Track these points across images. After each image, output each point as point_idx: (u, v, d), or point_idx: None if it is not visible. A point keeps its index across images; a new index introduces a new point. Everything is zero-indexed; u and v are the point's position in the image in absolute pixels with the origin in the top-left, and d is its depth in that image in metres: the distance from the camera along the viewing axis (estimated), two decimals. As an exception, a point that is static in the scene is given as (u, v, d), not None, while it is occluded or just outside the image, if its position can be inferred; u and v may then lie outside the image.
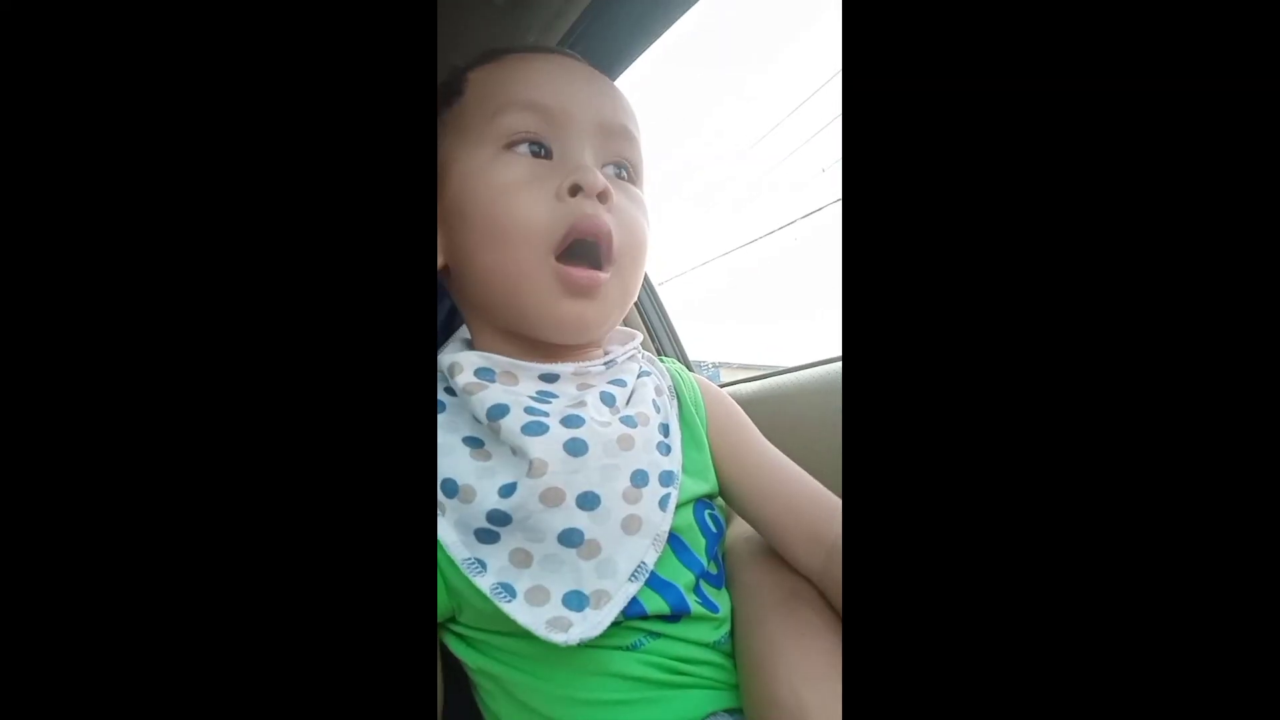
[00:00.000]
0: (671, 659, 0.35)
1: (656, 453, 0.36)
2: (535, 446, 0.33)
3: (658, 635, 0.35)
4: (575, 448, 0.33)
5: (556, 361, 0.38)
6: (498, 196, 0.36)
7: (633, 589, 0.33)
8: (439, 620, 0.36)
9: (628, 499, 0.34)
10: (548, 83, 0.38)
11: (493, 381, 0.36)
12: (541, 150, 0.38)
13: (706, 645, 0.36)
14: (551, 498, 0.32)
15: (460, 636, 0.36)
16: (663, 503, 0.35)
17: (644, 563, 0.33)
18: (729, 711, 0.35)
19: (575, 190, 0.36)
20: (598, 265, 0.37)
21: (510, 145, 0.37)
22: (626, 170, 0.41)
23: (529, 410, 0.34)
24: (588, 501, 0.33)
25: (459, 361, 0.37)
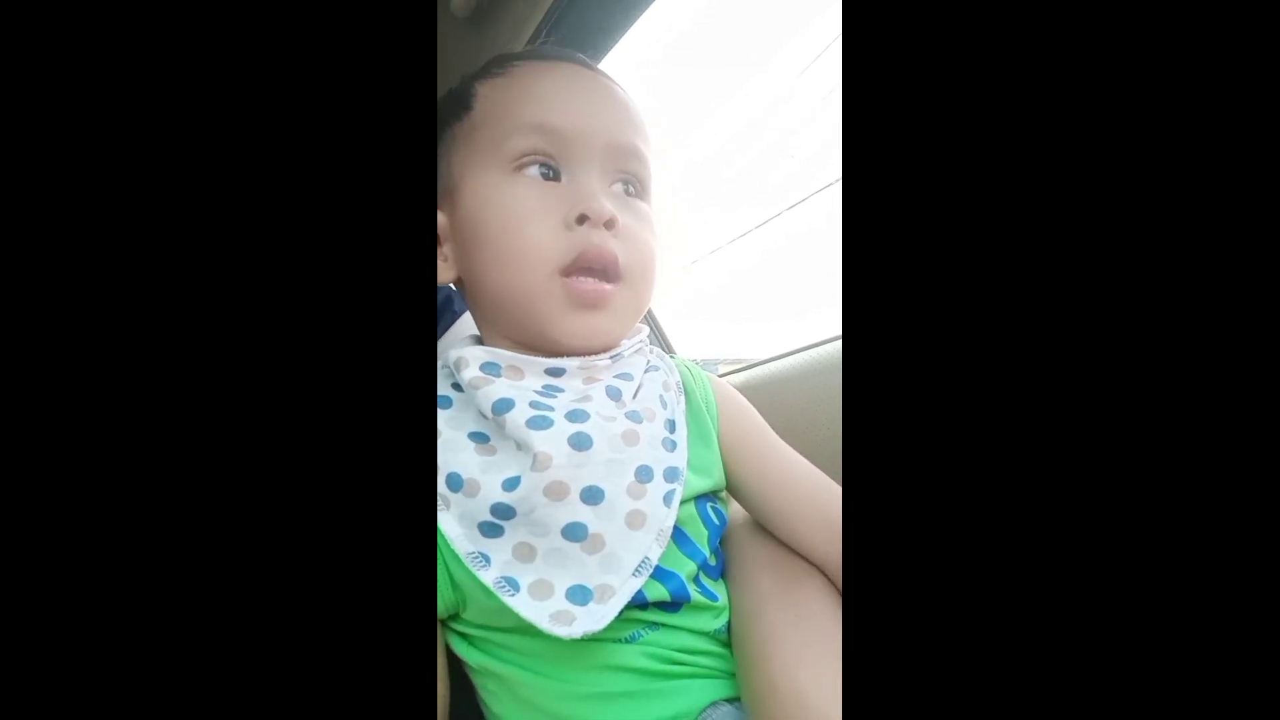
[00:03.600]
0: (671, 649, 0.35)
1: (662, 448, 0.37)
2: (540, 440, 0.33)
3: (657, 626, 0.36)
4: (580, 442, 0.34)
5: (563, 356, 0.39)
6: (508, 222, 0.38)
7: (637, 583, 0.33)
8: (442, 618, 0.36)
9: (632, 494, 0.34)
10: (557, 102, 0.39)
11: (498, 376, 0.37)
12: (550, 172, 0.39)
13: (706, 634, 0.37)
14: (556, 491, 0.33)
15: (462, 635, 0.37)
16: (667, 498, 0.35)
17: (648, 558, 0.34)
18: (729, 701, 0.36)
19: (583, 219, 0.37)
20: (605, 280, 0.38)
21: (520, 167, 0.38)
22: (634, 185, 0.42)
23: (534, 404, 0.35)
24: (592, 496, 0.33)
25: (465, 356, 0.37)
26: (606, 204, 0.38)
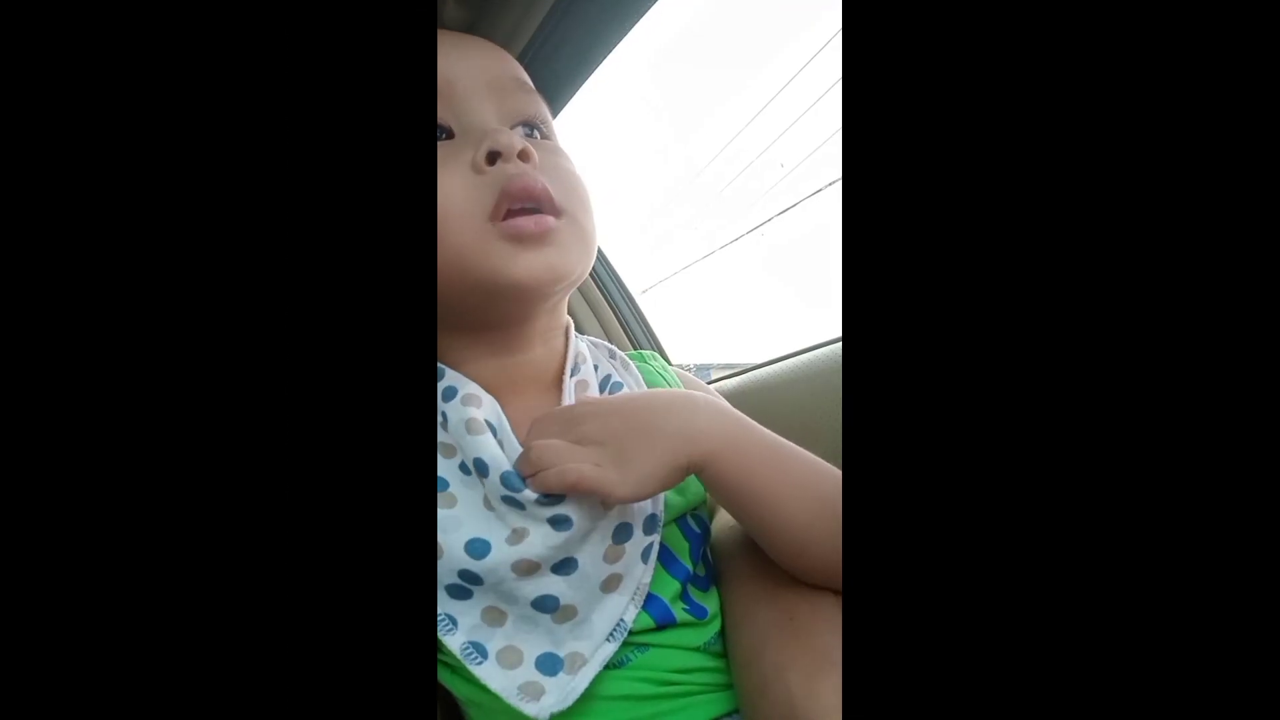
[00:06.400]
0: (663, 670, 0.34)
1: None
2: (516, 518, 0.32)
3: (646, 647, 0.35)
4: (560, 523, 0.32)
5: (527, 352, 0.38)
6: None
7: (610, 649, 0.32)
8: None
9: (609, 559, 0.33)
10: None
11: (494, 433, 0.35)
12: (442, 133, 0.36)
13: (695, 650, 0.36)
14: (525, 568, 0.31)
15: (447, 665, 0.36)
16: (645, 554, 0.34)
17: (623, 620, 0.33)
18: (727, 715, 0.35)
19: (493, 157, 0.34)
20: (544, 212, 0.35)
21: None
22: (539, 129, 0.39)
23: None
24: (565, 568, 0.32)
25: (474, 393, 0.35)
26: (515, 136, 0.35)
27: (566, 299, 0.42)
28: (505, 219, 0.34)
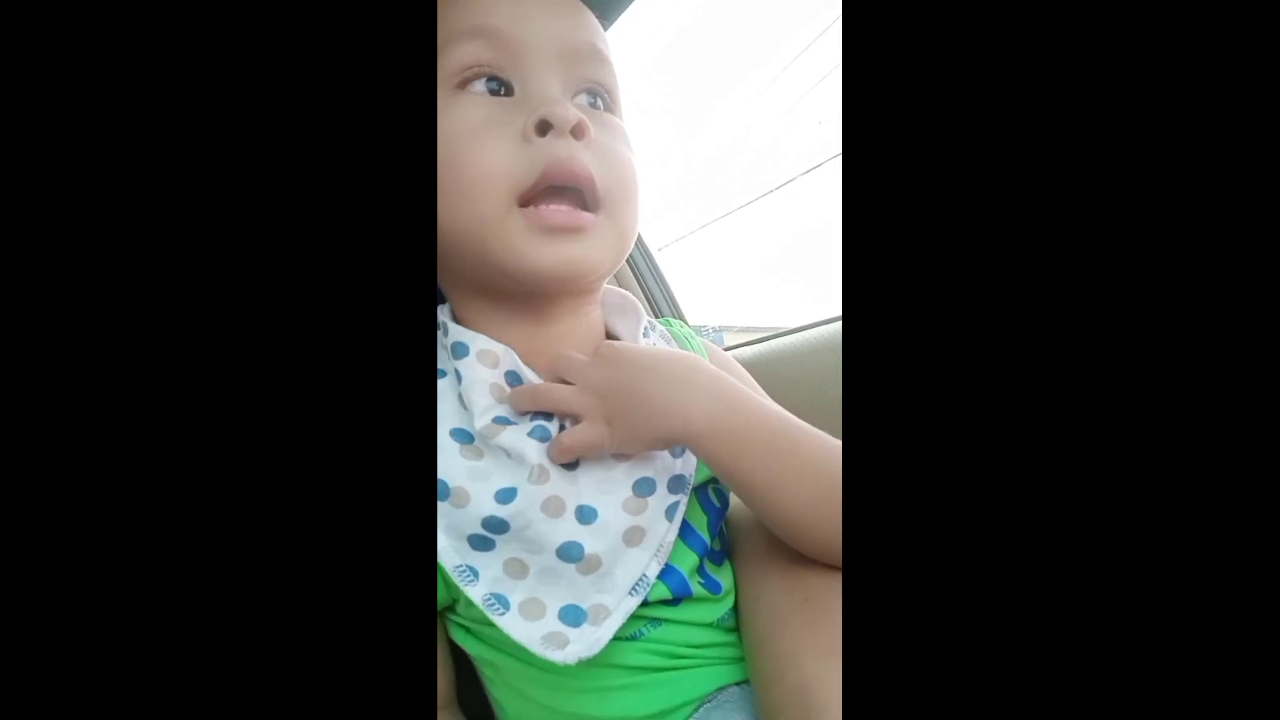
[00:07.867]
0: (674, 644, 0.34)
1: (668, 455, 0.35)
2: (537, 451, 0.32)
3: (659, 622, 0.34)
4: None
5: (552, 325, 0.36)
6: (454, 144, 0.31)
7: (633, 603, 0.31)
8: (441, 608, 0.35)
9: (629, 509, 0.33)
10: (498, 3, 0.33)
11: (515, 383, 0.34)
12: (501, 87, 0.33)
13: (708, 625, 0.35)
14: (553, 507, 0.31)
15: (462, 626, 0.36)
16: (669, 511, 0.34)
17: (645, 575, 0.32)
18: (737, 685, 0.35)
19: (544, 128, 0.31)
20: (582, 206, 0.33)
21: (464, 84, 0.33)
22: (603, 98, 0.36)
23: (533, 414, 0.33)
24: (585, 515, 0.32)
25: (493, 350, 0.34)
26: (572, 108, 0.32)
27: (603, 284, 0.39)
28: (539, 203, 0.32)
